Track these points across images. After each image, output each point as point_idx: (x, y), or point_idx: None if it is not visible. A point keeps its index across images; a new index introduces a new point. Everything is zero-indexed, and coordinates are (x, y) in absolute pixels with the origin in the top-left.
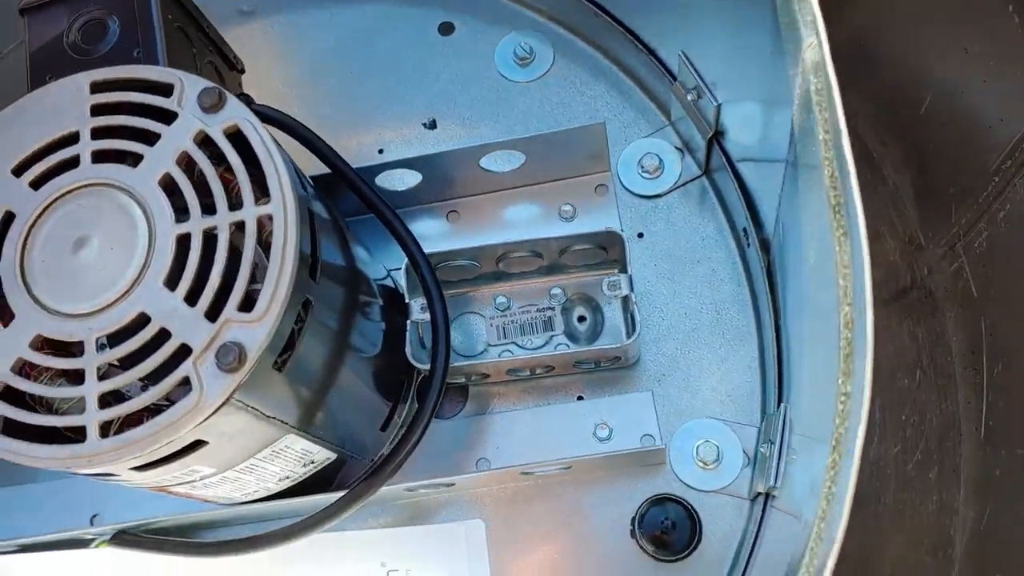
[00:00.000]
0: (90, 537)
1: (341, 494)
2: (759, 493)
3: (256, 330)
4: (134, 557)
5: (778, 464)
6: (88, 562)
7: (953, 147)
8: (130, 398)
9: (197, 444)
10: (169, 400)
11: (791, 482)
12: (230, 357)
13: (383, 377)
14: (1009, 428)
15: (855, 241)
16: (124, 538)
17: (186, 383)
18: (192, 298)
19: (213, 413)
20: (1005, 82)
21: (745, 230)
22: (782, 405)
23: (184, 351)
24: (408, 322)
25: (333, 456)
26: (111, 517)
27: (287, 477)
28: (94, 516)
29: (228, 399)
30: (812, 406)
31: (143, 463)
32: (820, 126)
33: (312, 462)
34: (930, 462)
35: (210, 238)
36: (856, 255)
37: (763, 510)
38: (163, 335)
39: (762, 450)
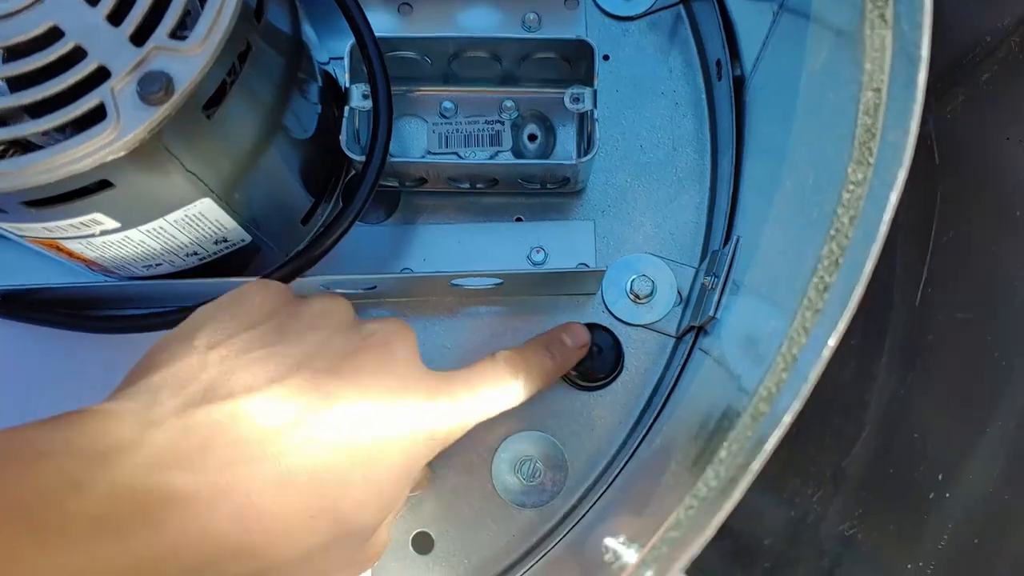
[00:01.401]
0: None
1: (252, 279)
2: (691, 327)
3: (189, 61)
4: (17, 329)
5: (720, 297)
6: None
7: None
8: None
9: (103, 185)
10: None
11: (722, 325)
12: (156, 86)
13: (311, 167)
14: (951, 293)
15: (912, 11)
16: (5, 305)
17: (100, 111)
18: (116, 17)
19: (128, 148)
20: None
21: (719, 62)
22: (734, 238)
23: (101, 74)
24: (346, 109)
25: (248, 239)
26: None
27: (196, 253)
28: None
29: (148, 134)
30: (768, 248)
31: (37, 198)
32: None
33: (225, 240)
34: (853, 328)
35: None
36: (906, 26)
37: (689, 349)
38: (77, 53)
39: (705, 281)
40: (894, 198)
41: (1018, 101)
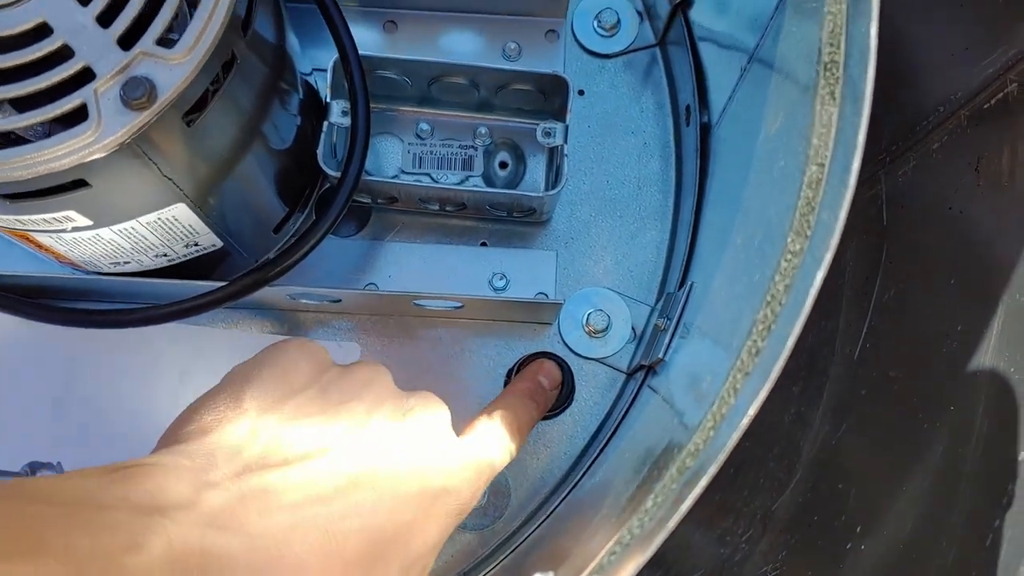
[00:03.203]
0: None
1: (220, 284)
2: (641, 366)
3: (173, 69)
4: None
5: (670, 340)
6: None
7: (900, 71)
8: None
9: (79, 184)
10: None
11: (670, 366)
12: (139, 92)
13: (286, 178)
14: (885, 352)
15: (855, 98)
16: None
17: (82, 112)
18: (106, 19)
19: (107, 150)
20: (965, 22)
21: (688, 108)
22: (688, 283)
23: (86, 75)
24: (325, 123)
25: (219, 245)
26: None
27: (165, 255)
28: None
29: (128, 138)
30: (716, 300)
31: (13, 192)
32: None
33: (196, 244)
34: (797, 376)
35: None
36: (848, 111)
37: (638, 387)
38: (64, 52)
39: (658, 323)
40: (820, 276)
41: (962, 173)
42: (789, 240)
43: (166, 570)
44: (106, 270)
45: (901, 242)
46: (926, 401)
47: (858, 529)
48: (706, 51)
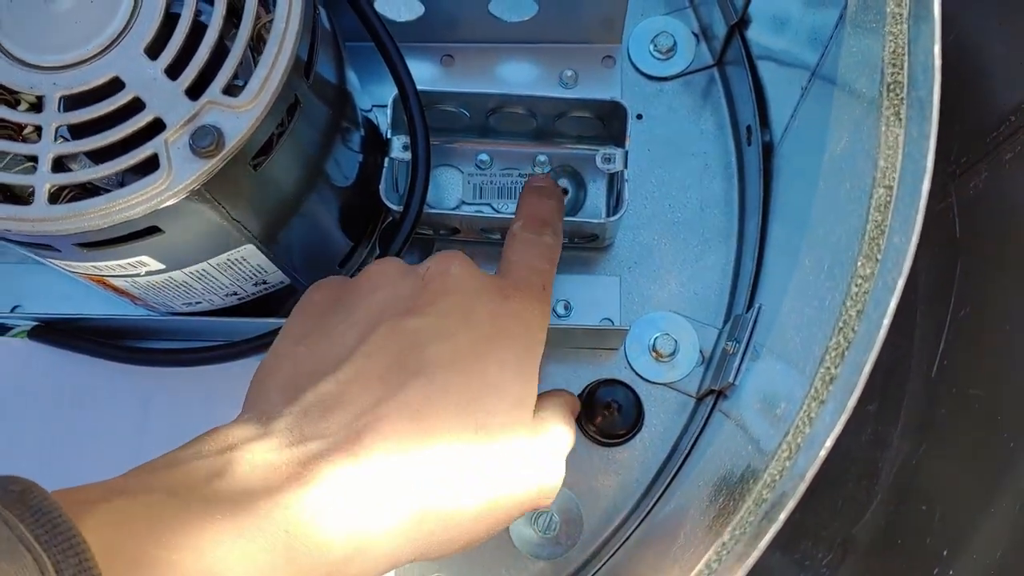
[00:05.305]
0: (10, 325)
1: None
2: (710, 390)
3: (240, 117)
4: (56, 355)
5: (740, 362)
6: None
7: (968, 79)
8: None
9: (152, 231)
10: (123, 184)
11: (742, 390)
12: (207, 140)
13: (350, 213)
14: (964, 369)
15: (921, 119)
16: (46, 332)
17: (153, 161)
18: (174, 71)
19: (178, 197)
20: None
21: (749, 128)
22: (756, 305)
23: (156, 126)
24: (386, 159)
25: (286, 282)
26: (35, 309)
27: (235, 294)
28: (16, 307)
29: (198, 185)
30: (786, 323)
31: (90, 240)
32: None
33: (264, 283)
34: (872, 395)
35: (201, 13)
36: (915, 133)
37: (710, 411)
38: (136, 105)
39: (726, 346)
40: (893, 303)
41: None
42: (859, 264)
43: (256, 486)
44: (179, 310)
45: (975, 255)
46: (1010, 420)
47: (945, 553)
48: (765, 70)
